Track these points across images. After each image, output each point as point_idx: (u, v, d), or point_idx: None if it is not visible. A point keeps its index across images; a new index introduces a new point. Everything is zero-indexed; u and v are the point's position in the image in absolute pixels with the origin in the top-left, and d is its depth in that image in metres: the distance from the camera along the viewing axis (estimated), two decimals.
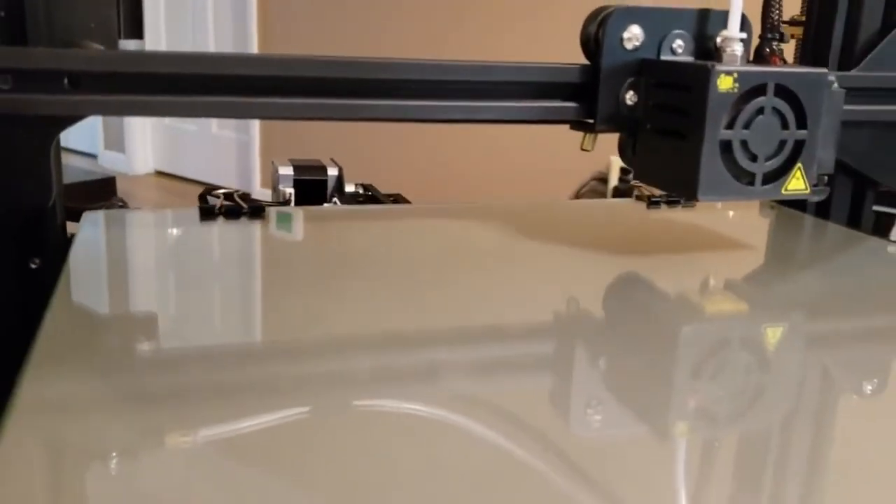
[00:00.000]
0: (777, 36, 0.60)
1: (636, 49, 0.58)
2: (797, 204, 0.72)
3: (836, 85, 0.57)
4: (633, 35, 0.58)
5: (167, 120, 3.23)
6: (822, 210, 0.71)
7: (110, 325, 0.45)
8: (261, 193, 2.84)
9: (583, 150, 0.61)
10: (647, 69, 0.58)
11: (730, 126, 0.54)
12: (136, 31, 0.56)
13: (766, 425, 0.37)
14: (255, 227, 0.62)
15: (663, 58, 0.58)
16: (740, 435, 0.37)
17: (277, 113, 0.54)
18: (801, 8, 0.73)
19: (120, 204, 0.68)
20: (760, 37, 0.60)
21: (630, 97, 0.59)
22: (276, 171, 0.92)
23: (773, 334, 0.48)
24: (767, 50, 0.60)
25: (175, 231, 0.62)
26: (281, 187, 0.92)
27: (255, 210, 0.64)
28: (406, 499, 0.30)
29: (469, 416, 0.36)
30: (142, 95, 0.50)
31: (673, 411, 0.38)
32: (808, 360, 0.46)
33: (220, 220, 0.62)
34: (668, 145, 0.57)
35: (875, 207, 0.73)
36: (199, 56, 0.51)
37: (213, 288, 0.52)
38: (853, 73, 0.66)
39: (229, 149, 3.16)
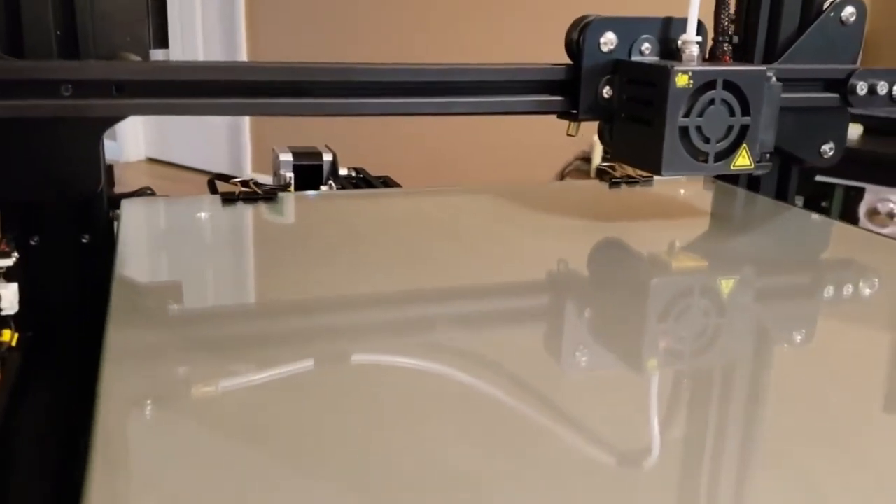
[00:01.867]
0: (727, 39, 0.71)
1: (611, 52, 0.70)
2: (730, 179, 0.83)
3: (774, 79, 0.68)
4: (609, 40, 0.69)
5: None
6: (753, 184, 0.82)
7: (166, 290, 0.56)
8: (252, 178, 2.92)
9: (568, 135, 0.73)
10: (620, 68, 0.70)
11: (687, 114, 0.65)
12: (163, 42, 0.67)
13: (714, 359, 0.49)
14: (271, 209, 0.74)
15: (633, 58, 0.70)
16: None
17: (293, 111, 0.64)
18: (733, 7, 0.83)
19: (149, 192, 0.78)
20: (713, 39, 0.71)
21: (607, 91, 0.70)
22: (277, 157, 1.02)
23: (722, 285, 0.59)
24: (719, 51, 0.72)
25: (204, 214, 0.73)
26: (282, 172, 1.03)
27: (269, 194, 0.76)
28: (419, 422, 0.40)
29: (464, 355, 0.47)
30: (174, 98, 0.61)
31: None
32: (746, 306, 0.57)
33: (240, 204, 0.73)
34: (637, 131, 0.68)
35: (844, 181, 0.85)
36: (220, 65, 0.62)
37: (246, 259, 0.64)
38: (775, 65, 0.77)
39: (220, 135, 3.23)
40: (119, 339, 0.45)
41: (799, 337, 0.51)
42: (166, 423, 0.38)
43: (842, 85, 0.76)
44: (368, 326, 0.50)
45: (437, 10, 2.43)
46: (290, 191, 0.93)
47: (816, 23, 0.76)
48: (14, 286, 0.59)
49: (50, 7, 0.58)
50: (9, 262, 0.59)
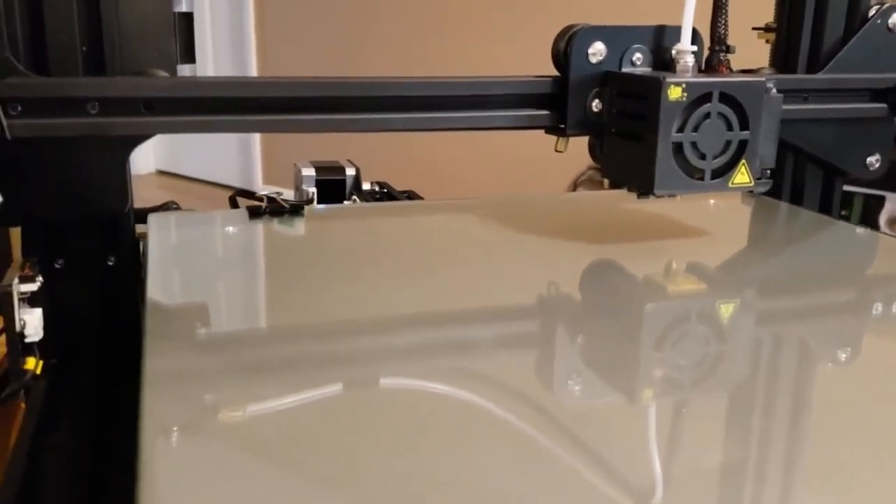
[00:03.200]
0: (723, 48, 0.66)
1: (600, 63, 0.65)
2: (773, 193, 0.81)
3: (774, 91, 0.63)
4: (597, 50, 0.65)
5: None
6: (795, 197, 0.80)
7: (199, 311, 0.54)
8: (263, 190, 2.91)
9: (557, 151, 0.68)
10: (610, 80, 0.65)
11: (681, 129, 0.61)
12: (190, 57, 0.65)
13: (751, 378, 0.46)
14: (299, 223, 0.72)
15: (624, 70, 0.65)
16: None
17: (314, 128, 0.62)
18: (774, 16, 0.81)
19: (174, 206, 0.77)
20: (710, 48, 0.67)
21: (596, 105, 0.66)
22: (300, 172, 1.00)
23: (769, 306, 0.57)
24: (715, 60, 0.67)
25: (232, 229, 0.71)
26: (304, 187, 1.01)
27: (295, 208, 0.74)
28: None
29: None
30: (202, 115, 0.58)
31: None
32: (787, 327, 0.55)
33: (267, 217, 0.72)
34: (628, 147, 0.64)
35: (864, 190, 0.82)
36: (248, 81, 0.60)
37: (276, 276, 0.63)
38: (819, 75, 0.74)
39: (230, 147, 3.22)
40: (157, 365, 0.44)
41: (851, 357, 0.49)
42: (208, 448, 0.37)
43: (889, 94, 0.73)
44: (398, 348, 0.49)
45: (448, 23, 2.41)
46: (328, 206, 0.91)
47: (862, 30, 0.74)
48: (38, 312, 0.57)
49: (75, 22, 0.56)
50: (33, 286, 0.57)
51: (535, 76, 0.66)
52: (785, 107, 0.72)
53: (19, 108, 0.53)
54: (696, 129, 0.61)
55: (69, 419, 0.57)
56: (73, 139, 0.56)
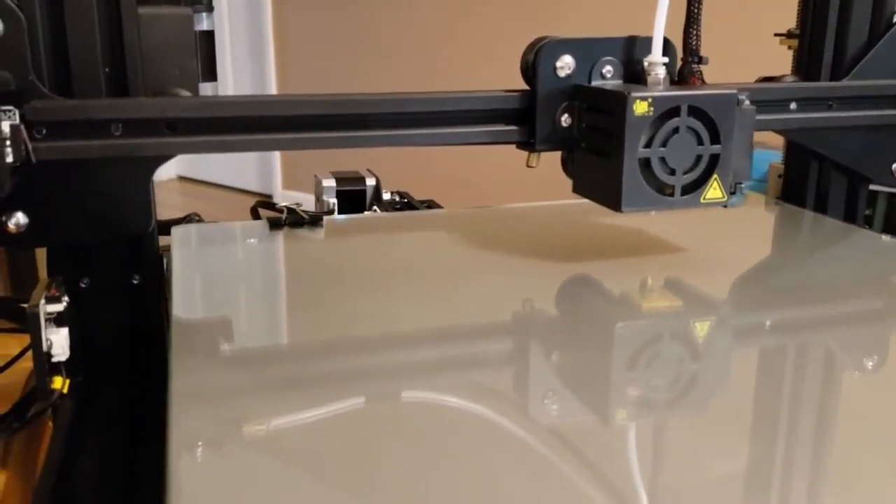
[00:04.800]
0: (696, 59, 0.63)
1: (569, 76, 0.63)
2: (798, 200, 0.80)
3: (747, 102, 0.61)
4: (566, 63, 0.63)
5: None
6: (820, 205, 0.79)
7: (224, 323, 0.55)
8: (283, 196, 2.93)
9: (528, 166, 0.66)
10: (579, 94, 0.64)
11: (648, 144, 0.59)
12: (212, 75, 0.65)
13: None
14: (319, 235, 0.73)
15: (594, 83, 0.64)
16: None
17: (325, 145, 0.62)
18: (797, 22, 0.80)
19: (196, 219, 0.78)
20: (682, 59, 0.64)
21: (565, 120, 0.64)
22: (320, 183, 1.01)
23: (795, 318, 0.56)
24: (687, 72, 0.64)
25: (253, 241, 0.73)
26: (325, 198, 1.01)
27: (314, 219, 0.75)
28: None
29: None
30: (225, 135, 0.59)
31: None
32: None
33: (286, 229, 0.73)
34: (597, 162, 0.62)
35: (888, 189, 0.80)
36: (273, 99, 0.60)
37: (297, 289, 0.63)
38: (843, 83, 0.74)
39: (250, 153, 3.25)
40: (183, 382, 0.44)
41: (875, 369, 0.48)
42: (235, 464, 0.38)
43: None
44: (408, 363, 0.49)
45: (463, 38, 2.41)
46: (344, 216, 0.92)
47: (887, 36, 0.73)
48: (65, 331, 0.58)
49: (98, 44, 0.56)
50: (59, 307, 0.57)
51: (503, 91, 0.65)
52: (809, 115, 0.72)
53: (44, 132, 0.54)
54: (664, 144, 0.59)
55: (97, 437, 0.57)
56: (97, 160, 0.56)
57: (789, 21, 0.83)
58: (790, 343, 0.54)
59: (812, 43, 0.76)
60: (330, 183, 1.01)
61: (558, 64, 0.63)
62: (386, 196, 1.06)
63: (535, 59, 0.63)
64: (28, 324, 0.55)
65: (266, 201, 1.03)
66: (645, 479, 0.36)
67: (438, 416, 0.42)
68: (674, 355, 0.51)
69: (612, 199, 0.60)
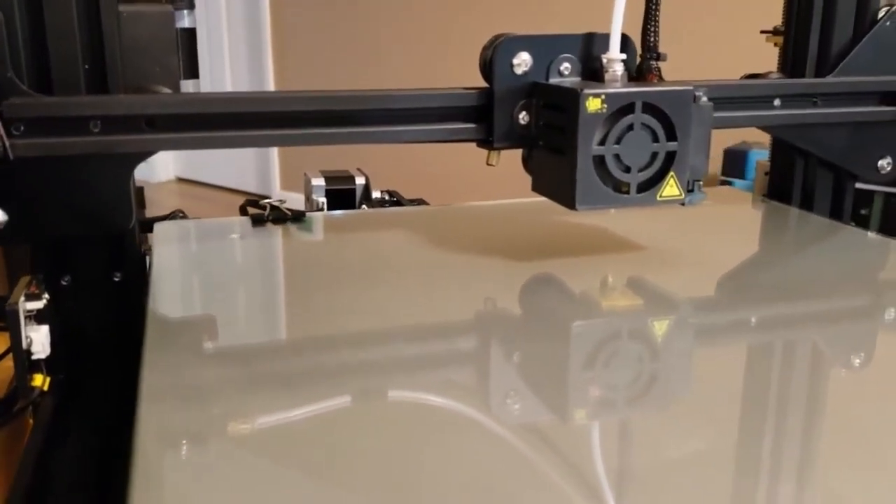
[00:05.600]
0: (654, 56, 0.63)
1: (526, 73, 0.63)
2: (784, 198, 0.80)
3: (704, 99, 0.60)
4: (523, 61, 0.62)
5: None
6: (806, 202, 0.79)
7: (201, 319, 0.55)
8: (281, 196, 2.93)
9: (489, 164, 0.66)
10: (536, 91, 0.63)
11: (602, 142, 0.58)
12: (193, 72, 0.65)
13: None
14: (300, 230, 0.74)
15: (552, 80, 0.63)
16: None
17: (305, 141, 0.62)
18: (783, 19, 0.80)
19: (180, 215, 0.78)
20: (640, 56, 0.64)
21: (523, 117, 0.63)
22: (309, 182, 1.01)
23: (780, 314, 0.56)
24: (645, 68, 0.64)
25: (235, 237, 0.73)
26: (314, 197, 1.01)
27: (297, 216, 0.76)
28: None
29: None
30: (206, 132, 0.59)
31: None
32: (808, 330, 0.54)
33: (269, 225, 0.74)
34: (553, 160, 0.62)
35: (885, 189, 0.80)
36: (252, 96, 0.60)
37: (276, 286, 0.64)
38: (828, 79, 0.73)
39: (248, 153, 3.24)
40: (154, 380, 0.44)
41: (862, 365, 0.48)
42: (203, 464, 0.37)
43: None
44: (401, 359, 0.49)
45: (461, 34, 2.41)
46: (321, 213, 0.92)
47: (871, 33, 0.73)
48: (45, 329, 0.58)
49: (78, 40, 0.56)
50: (39, 304, 0.57)
51: (461, 88, 0.64)
52: (795, 111, 0.72)
53: (22, 128, 0.54)
54: (618, 141, 0.59)
55: (76, 435, 0.57)
56: (76, 157, 0.56)
57: (775, 18, 0.83)
58: (772, 340, 0.54)
59: (797, 40, 0.76)
60: (319, 182, 1.01)
61: (515, 61, 0.63)
62: (376, 195, 1.06)
63: (493, 57, 0.63)
64: (7, 321, 0.55)
65: (254, 199, 1.03)
66: (609, 476, 0.36)
67: (400, 415, 0.42)
68: (636, 354, 0.51)
69: (566, 197, 0.60)
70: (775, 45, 0.82)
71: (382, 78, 2.57)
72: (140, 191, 0.79)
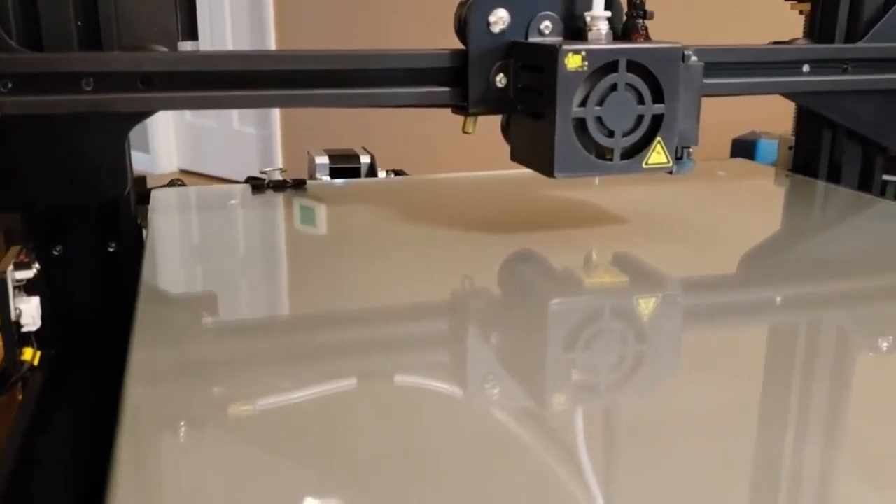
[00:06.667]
0: (641, 13, 0.58)
1: (503, 32, 0.58)
2: (809, 172, 0.76)
3: (694, 58, 0.56)
4: (499, 18, 0.58)
5: (189, 118, 3.29)
6: (833, 175, 0.75)
7: (195, 293, 0.52)
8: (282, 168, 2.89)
9: (464, 132, 0.61)
10: (514, 52, 0.58)
11: (583, 104, 0.54)
12: (192, 34, 0.62)
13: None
14: (300, 199, 0.72)
15: (531, 39, 0.58)
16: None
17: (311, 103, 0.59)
18: None
19: (179, 183, 0.75)
20: (627, 14, 0.59)
21: (500, 80, 0.59)
22: (313, 160, 0.97)
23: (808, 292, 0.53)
24: (631, 27, 0.58)
25: (234, 202, 0.71)
26: (318, 175, 0.98)
27: (297, 183, 0.75)
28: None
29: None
30: (203, 91, 0.55)
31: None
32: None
33: (269, 192, 0.72)
34: (531, 125, 0.57)
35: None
36: (252, 55, 0.57)
37: (273, 256, 0.61)
38: (859, 44, 0.70)
39: (250, 144, 3.22)
40: (143, 357, 0.41)
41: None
42: (190, 445, 0.34)
43: None
44: (396, 338, 0.45)
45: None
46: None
47: None
48: (35, 300, 0.55)
49: None
50: (29, 273, 0.54)
51: (434, 49, 0.60)
52: (822, 78, 0.68)
53: (10, 85, 0.51)
54: (601, 102, 0.54)
55: (67, 411, 0.54)
56: (67, 118, 0.53)
57: None
58: (809, 320, 0.50)
59: (826, 4, 0.72)
60: (323, 160, 0.98)
61: (491, 19, 0.58)
62: (381, 174, 1.03)
63: (467, 14, 0.58)
64: None
65: (257, 176, 1.00)
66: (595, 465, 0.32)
67: (375, 399, 0.38)
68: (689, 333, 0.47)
69: (544, 164, 0.55)
70: (801, 13, 0.78)
71: (394, 39, 2.53)
72: (142, 180, 0.77)
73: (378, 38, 2.58)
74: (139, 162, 3.69)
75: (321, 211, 0.70)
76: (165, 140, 3.53)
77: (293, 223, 0.67)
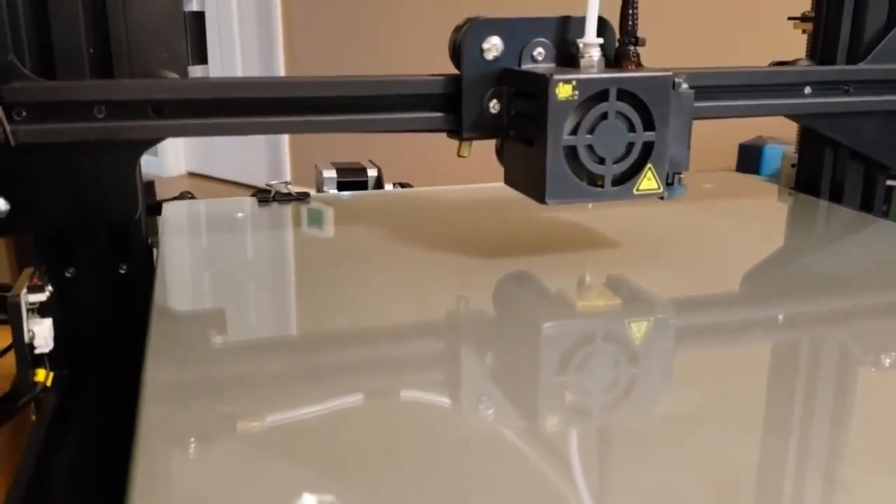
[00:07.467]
0: (633, 41, 0.59)
1: (497, 59, 0.59)
2: (812, 190, 0.77)
3: (684, 86, 0.56)
4: (493, 45, 0.59)
5: None
6: (835, 195, 0.76)
7: (207, 309, 0.53)
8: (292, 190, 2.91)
9: (459, 156, 0.62)
10: (507, 78, 0.59)
11: (574, 132, 0.54)
12: (202, 58, 0.63)
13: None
14: (304, 211, 0.76)
15: (524, 66, 0.59)
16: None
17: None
18: (811, 5, 0.77)
19: (188, 196, 0.78)
20: (619, 41, 0.59)
21: (493, 106, 0.60)
22: (321, 174, 0.98)
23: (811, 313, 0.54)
24: (623, 54, 0.59)
25: (240, 216, 0.75)
26: (325, 189, 0.99)
27: (302, 196, 0.78)
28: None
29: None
30: (214, 118, 0.56)
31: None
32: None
33: (275, 205, 0.76)
34: (523, 152, 0.58)
35: None
36: (261, 81, 0.58)
37: (282, 270, 0.63)
38: (860, 66, 0.71)
39: (259, 148, 3.23)
40: (157, 375, 0.42)
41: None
42: (204, 463, 0.36)
43: None
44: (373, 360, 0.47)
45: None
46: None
47: None
48: (48, 322, 0.56)
49: (81, 23, 0.54)
50: (42, 296, 0.55)
51: (427, 75, 0.61)
52: (825, 99, 0.69)
53: (24, 114, 0.52)
54: (591, 130, 0.55)
55: (80, 432, 0.55)
56: (80, 143, 0.54)
57: (804, 4, 0.80)
58: (810, 337, 0.51)
59: (828, 25, 0.73)
60: (331, 174, 0.99)
61: (485, 46, 0.59)
62: (388, 187, 1.04)
63: (461, 41, 0.59)
64: (9, 314, 0.53)
65: (264, 191, 1.02)
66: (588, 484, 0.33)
67: (372, 418, 0.40)
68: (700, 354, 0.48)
69: (536, 190, 0.56)
70: (804, 32, 0.79)
71: (402, 62, 2.54)
72: (150, 184, 0.78)
73: (386, 57, 2.59)
74: (148, 165, 3.69)
75: (327, 220, 0.73)
76: (173, 143, 3.55)
77: (298, 235, 0.70)
